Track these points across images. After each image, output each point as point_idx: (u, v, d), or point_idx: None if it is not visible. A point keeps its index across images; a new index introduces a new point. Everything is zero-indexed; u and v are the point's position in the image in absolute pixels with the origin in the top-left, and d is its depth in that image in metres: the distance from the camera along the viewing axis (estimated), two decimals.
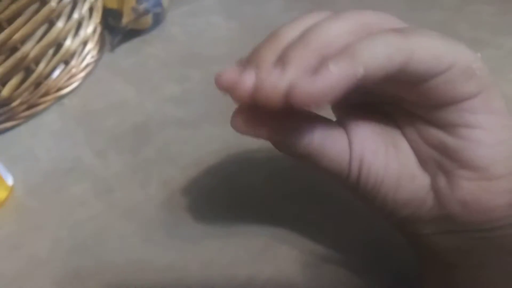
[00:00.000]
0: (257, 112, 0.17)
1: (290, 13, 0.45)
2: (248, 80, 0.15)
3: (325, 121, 0.18)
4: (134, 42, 0.46)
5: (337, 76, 0.14)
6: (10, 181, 0.32)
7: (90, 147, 0.35)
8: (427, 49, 0.15)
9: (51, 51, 0.37)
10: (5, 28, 0.32)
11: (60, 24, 0.36)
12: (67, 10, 0.37)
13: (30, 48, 0.34)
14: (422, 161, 0.18)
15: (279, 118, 0.17)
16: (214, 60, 0.41)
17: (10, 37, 0.32)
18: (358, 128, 0.18)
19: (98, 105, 0.39)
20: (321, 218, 0.27)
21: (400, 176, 0.18)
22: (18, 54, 0.34)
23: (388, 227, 0.21)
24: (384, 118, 0.19)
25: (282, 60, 0.15)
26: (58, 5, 0.35)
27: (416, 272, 0.22)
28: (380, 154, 0.18)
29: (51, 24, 0.36)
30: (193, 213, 0.28)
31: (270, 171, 0.30)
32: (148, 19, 0.45)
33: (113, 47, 0.45)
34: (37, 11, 0.34)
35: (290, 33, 0.16)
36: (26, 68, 0.35)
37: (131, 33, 0.46)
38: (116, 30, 0.45)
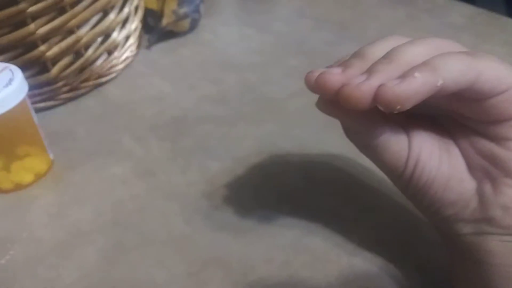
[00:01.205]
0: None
1: (318, 32, 0.49)
2: (337, 77, 0.18)
3: (392, 121, 0.21)
4: (170, 43, 0.48)
5: (421, 83, 0.17)
6: (51, 155, 0.34)
7: (129, 132, 0.36)
8: (492, 70, 0.18)
9: (99, 39, 0.39)
10: (67, 11, 0.34)
11: (112, 15, 0.39)
12: (119, 3, 0.39)
13: (84, 33, 0.36)
14: (471, 167, 0.20)
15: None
16: (248, 67, 0.44)
17: (69, 20, 0.34)
18: (417, 132, 0.21)
19: (136, 96, 0.40)
20: (355, 213, 0.29)
21: (450, 178, 0.20)
22: (73, 37, 0.36)
23: (419, 225, 0.23)
24: (439, 127, 0.21)
25: (369, 71, 0.18)
26: None
27: (440, 267, 0.24)
28: (434, 156, 0.20)
29: (105, 14, 0.38)
30: (231, 203, 0.30)
31: (303, 168, 0.32)
32: (186, 23, 0.48)
33: (150, 45, 0.47)
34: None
35: (376, 53, 0.19)
36: (76, 51, 0.37)
37: (168, 35, 0.48)
38: (154, 30, 0.47)
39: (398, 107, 0.17)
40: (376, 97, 0.17)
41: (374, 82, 0.17)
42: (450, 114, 0.21)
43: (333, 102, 0.19)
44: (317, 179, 0.31)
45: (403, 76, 0.17)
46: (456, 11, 0.52)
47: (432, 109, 0.21)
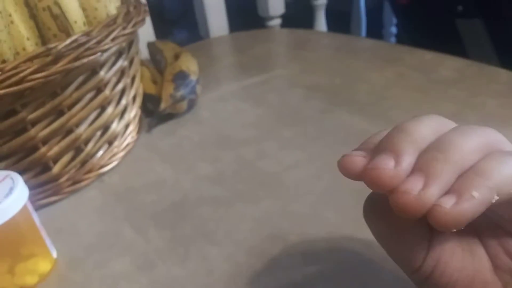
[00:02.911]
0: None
1: (310, 101, 0.50)
2: (391, 173, 0.17)
3: None
4: (170, 124, 0.50)
5: (479, 203, 0.16)
6: (54, 254, 0.34)
7: (130, 223, 0.37)
8: None
9: (99, 133, 0.41)
10: (65, 113, 0.36)
11: (110, 109, 0.41)
12: (117, 97, 0.41)
13: (83, 130, 0.38)
14: (497, 268, 0.19)
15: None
16: (244, 142, 0.45)
17: (68, 120, 0.36)
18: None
19: (137, 182, 0.42)
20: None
21: (473, 280, 0.19)
22: (72, 136, 0.37)
23: None
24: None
25: (422, 170, 0.16)
26: (111, 93, 0.40)
27: None
28: (457, 256, 0.19)
29: (103, 109, 0.40)
30: None
31: (302, 251, 0.32)
32: (184, 104, 0.50)
33: (150, 129, 0.49)
34: (93, 98, 0.38)
35: (423, 133, 0.18)
36: (76, 148, 0.39)
37: (167, 116, 0.50)
38: (154, 114, 0.49)
39: (454, 230, 0.16)
40: (432, 217, 0.16)
41: (433, 193, 0.16)
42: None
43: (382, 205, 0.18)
44: (319, 261, 0.31)
45: (459, 194, 0.16)
46: (444, 65, 0.53)
47: None
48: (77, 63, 0.33)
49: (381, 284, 0.28)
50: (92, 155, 0.41)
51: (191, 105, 0.51)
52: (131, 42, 0.43)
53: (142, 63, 0.54)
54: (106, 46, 0.35)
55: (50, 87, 0.34)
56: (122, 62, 0.41)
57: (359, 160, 0.18)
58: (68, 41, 0.32)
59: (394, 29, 1.12)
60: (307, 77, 0.55)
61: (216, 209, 0.37)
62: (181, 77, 0.50)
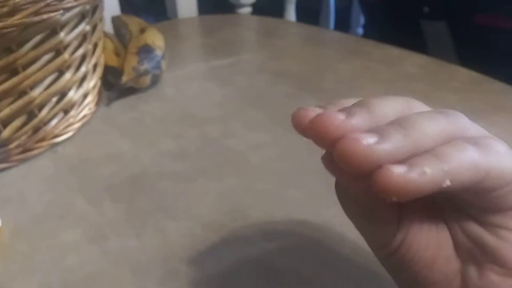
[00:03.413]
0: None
1: (278, 86, 0.50)
2: (341, 124, 0.15)
3: None
4: (131, 99, 0.48)
5: (428, 180, 0.15)
6: None
7: (83, 194, 0.35)
8: (502, 167, 0.16)
9: (54, 99, 0.38)
10: (19, 73, 0.33)
11: (68, 75, 0.38)
12: (76, 62, 0.39)
13: (37, 94, 0.36)
14: (457, 248, 0.20)
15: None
16: (209, 121, 0.44)
17: (22, 81, 0.34)
18: (409, 206, 0.20)
19: (93, 155, 0.39)
20: (318, 271, 0.28)
21: (436, 257, 0.19)
22: (25, 98, 0.35)
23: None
24: (431, 204, 0.20)
25: (379, 133, 0.15)
26: (70, 57, 0.37)
27: None
28: (423, 233, 0.19)
29: (61, 73, 0.38)
30: (188, 265, 0.29)
31: (263, 227, 0.31)
32: (147, 79, 0.48)
33: (109, 102, 0.47)
34: (51, 60, 0.36)
35: (385, 111, 0.17)
36: (29, 112, 0.36)
37: (128, 90, 0.48)
38: (114, 86, 0.47)
39: (394, 198, 0.14)
40: (375, 177, 0.14)
41: (385, 149, 0.15)
42: (446, 194, 0.19)
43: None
44: (279, 237, 0.30)
45: (412, 164, 0.15)
46: (409, 61, 0.54)
47: None
48: (36, 18, 0.31)
49: (340, 260, 0.28)
50: (45, 122, 0.38)
51: (155, 80, 0.49)
52: (96, 7, 0.41)
53: (106, 34, 0.51)
54: (69, 5, 0.33)
55: (4, 42, 0.31)
56: (84, 26, 0.38)
57: (311, 111, 0.17)
58: None
59: (360, 30, 1.14)
60: (276, 63, 0.55)
61: (177, 184, 0.36)
62: (146, 50, 0.48)
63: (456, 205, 0.19)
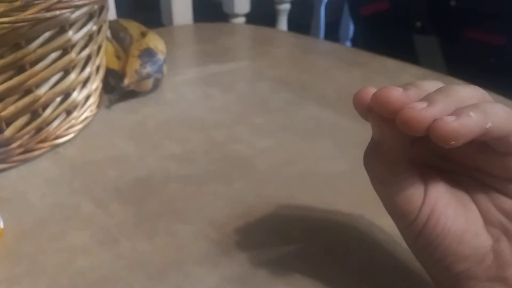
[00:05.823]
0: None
1: (279, 93, 0.50)
2: (401, 96, 0.18)
3: (413, 166, 0.21)
4: (132, 103, 0.47)
5: (475, 122, 0.17)
6: (1, 224, 0.30)
7: (89, 196, 0.34)
8: None
9: (58, 99, 0.37)
10: (26, 70, 0.32)
11: (73, 75, 0.37)
12: (82, 62, 0.38)
13: (42, 93, 0.35)
14: (488, 223, 0.20)
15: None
16: (213, 125, 0.43)
17: (28, 79, 0.33)
18: (435, 183, 0.21)
19: (97, 157, 0.38)
20: (337, 277, 0.27)
21: (465, 231, 0.20)
22: (31, 97, 0.34)
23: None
24: (457, 183, 0.22)
25: (426, 99, 0.19)
26: (77, 57, 0.37)
27: None
28: (451, 207, 0.20)
29: (66, 73, 0.37)
30: (204, 268, 0.28)
31: (278, 231, 0.31)
32: (149, 83, 0.48)
33: (110, 105, 0.46)
34: (58, 58, 0.35)
35: (428, 87, 0.20)
36: (33, 111, 0.35)
37: (129, 94, 0.47)
38: (115, 89, 0.46)
39: (453, 142, 0.17)
40: (433, 130, 0.17)
41: (435, 110, 0.18)
42: (470, 172, 0.21)
43: (383, 118, 0.19)
44: (294, 242, 0.30)
45: (458, 113, 0.18)
46: (406, 72, 0.55)
47: (452, 165, 0.22)
48: (48, 14, 0.30)
49: (356, 265, 0.28)
50: (48, 122, 0.37)
51: (157, 84, 0.49)
52: (102, 8, 0.40)
53: (106, 37, 0.51)
54: (80, 2, 0.32)
55: (15, 37, 0.30)
56: (91, 26, 0.38)
57: (373, 88, 0.20)
58: None
59: (348, 44, 1.17)
60: (275, 71, 0.55)
61: (185, 187, 0.35)
62: (148, 54, 0.48)
63: (482, 183, 0.21)
